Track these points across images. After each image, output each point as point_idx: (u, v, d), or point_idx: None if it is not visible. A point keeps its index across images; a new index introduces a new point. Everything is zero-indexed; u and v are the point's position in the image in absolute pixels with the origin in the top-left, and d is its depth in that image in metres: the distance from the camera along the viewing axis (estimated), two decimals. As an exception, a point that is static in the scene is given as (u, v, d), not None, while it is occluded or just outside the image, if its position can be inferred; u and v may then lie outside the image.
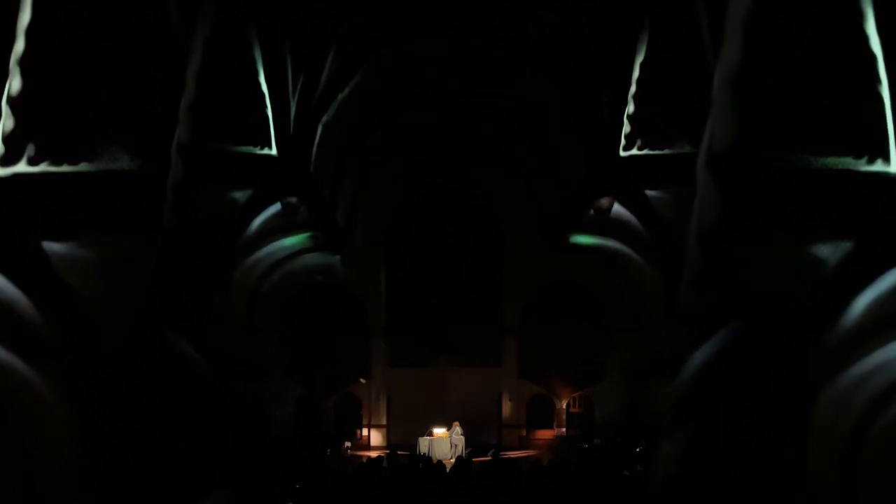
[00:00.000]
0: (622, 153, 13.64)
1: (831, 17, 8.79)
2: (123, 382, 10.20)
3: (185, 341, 12.32)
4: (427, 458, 13.71)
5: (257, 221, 15.33)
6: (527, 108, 16.87)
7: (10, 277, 8.99)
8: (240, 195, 14.50)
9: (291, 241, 17.28)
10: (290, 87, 13.96)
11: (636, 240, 15.53)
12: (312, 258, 18.77)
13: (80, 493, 9.68)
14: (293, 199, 15.44)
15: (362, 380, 20.70)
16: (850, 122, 8.97)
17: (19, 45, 9.25)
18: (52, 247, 9.49)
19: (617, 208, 14.99)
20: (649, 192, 13.83)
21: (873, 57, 8.63)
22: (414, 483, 9.72)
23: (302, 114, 14.16)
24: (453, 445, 17.55)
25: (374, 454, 15.37)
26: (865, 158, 8.92)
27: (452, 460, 15.48)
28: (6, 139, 9.27)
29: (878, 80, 8.71)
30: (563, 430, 20.70)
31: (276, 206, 15.55)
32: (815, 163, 9.12)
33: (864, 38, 8.63)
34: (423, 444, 17.68)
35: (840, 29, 8.75)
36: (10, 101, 9.21)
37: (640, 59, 12.92)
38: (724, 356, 10.76)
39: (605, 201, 14.60)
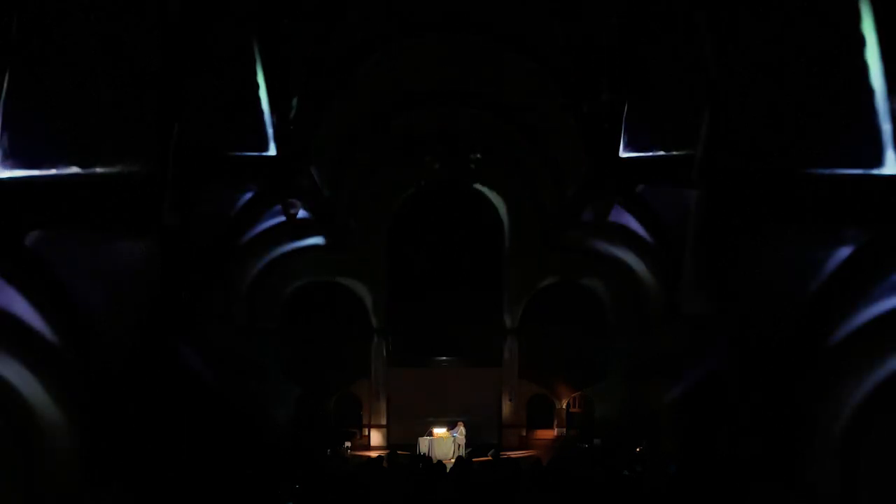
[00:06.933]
0: (622, 153, 13.66)
1: (827, 21, 8.80)
2: (123, 383, 10.21)
3: (185, 341, 12.34)
4: (427, 458, 13.70)
5: (257, 221, 15.34)
6: (527, 107, 16.88)
7: (10, 278, 8.99)
8: (240, 195, 14.50)
9: (291, 240, 17.30)
10: (291, 87, 13.98)
11: (636, 240, 15.54)
12: (313, 257, 18.79)
13: (80, 492, 9.69)
14: (293, 199, 15.45)
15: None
16: (848, 123, 8.97)
17: (20, 46, 9.25)
18: (51, 247, 9.48)
19: (617, 209, 15.02)
20: (648, 192, 13.84)
21: (869, 59, 8.64)
22: (414, 483, 9.72)
23: (302, 113, 14.18)
24: (457, 445, 17.52)
25: (374, 454, 15.37)
26: (864, 160, 8.92)
27: (453, 460, 15.48)
28: (6, 139, 9.26)
29: (874, 83, 8.72)
30: (563, 430, 20.68)
31: (277, 206, 15.56)
32: (814, 164, 9.13)
33: (861, 43, 8.64)
34: (423, 444, 17.66)
35: (836, 32, 8.76)
36: (10, 101, 9.21)
37: (640, 58, 12.93)
38: (723, 357, 10.77)
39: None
